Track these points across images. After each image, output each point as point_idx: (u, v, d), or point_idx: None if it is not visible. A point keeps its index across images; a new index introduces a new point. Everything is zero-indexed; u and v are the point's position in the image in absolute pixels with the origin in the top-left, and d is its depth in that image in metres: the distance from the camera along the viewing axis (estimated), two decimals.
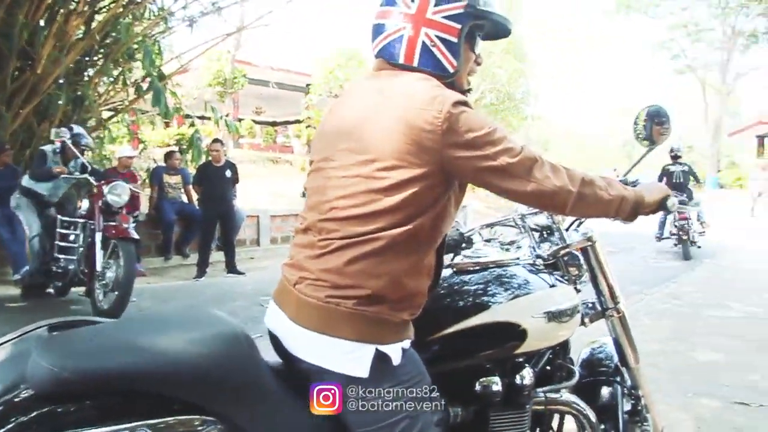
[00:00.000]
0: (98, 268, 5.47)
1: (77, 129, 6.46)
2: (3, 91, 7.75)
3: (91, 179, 5.94)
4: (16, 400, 1.21)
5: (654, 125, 1.79)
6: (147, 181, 9.19)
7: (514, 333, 1.66)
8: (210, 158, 8.59)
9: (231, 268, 8.35)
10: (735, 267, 9.54)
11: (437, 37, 1.46)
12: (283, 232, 11.17)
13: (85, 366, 1.19)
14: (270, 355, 1.48)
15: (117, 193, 5.73)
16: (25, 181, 6.35)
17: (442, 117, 1.33)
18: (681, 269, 9.10)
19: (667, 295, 7.14)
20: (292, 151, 20.98)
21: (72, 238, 5.89)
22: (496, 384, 1.64)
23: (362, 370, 1.34)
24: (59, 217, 6.03)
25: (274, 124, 22.30)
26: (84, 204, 5.87)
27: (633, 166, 2.04)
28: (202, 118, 13.01)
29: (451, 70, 1.49)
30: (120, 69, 9.42)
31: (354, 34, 31.93)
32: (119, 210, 5.80)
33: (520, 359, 1.71)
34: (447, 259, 1.75)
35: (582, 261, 1.93)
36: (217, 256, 8.65)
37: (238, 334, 1.33)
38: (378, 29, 1.52)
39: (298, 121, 21.59)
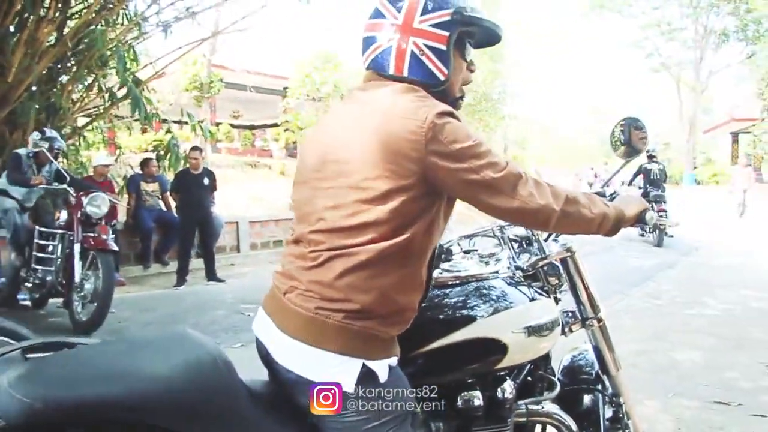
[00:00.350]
0: (77, 279, 5.41)
1: (50, 133, 6.37)
2: None
3: (70, 190, 5.85)
4: None
5: (633, 130, 1.81)
6: (124, 188, 9.09)
7: (495, 348, 1.66)
8: (188, 165, 8.51)
9: (211, 275, 8.28)
10: (710, 264, 9.68)
11: (426, 45, 1.46)
12: (263, 238, 11.11)
13: (59, 395, 1.16)
14: (251, 367, 1.47)
15: (96, 205, 5.67)
16: (1, 183, 6.25)
17: (426, 127, 1.33)
18: (660, 267, 9.20)
19: (647, 295, 7.22)
20: (271, 155, 20.88)
21: (50, 249, 5.77)
22: (478, 398, 1.64)
23: (348, 384, 1.34)
24: (37, 227, 5.93)
25: (252, 127, 22.21)
26: (63, 215, 5.75)
27: (612, 175, 2.11)
28: (179, 122, 12.88)
29: (442, 78, 1.49)
30: (94, 75, 9.31)
31: (330, 37, 31.86)
32: (98, 221, 5.75)
33: (501, 372, 1.71)
34: None
35: (561, 271, 1.93)
36: (196, 264, 8.57)
37: (215, 358, 1.32)
38: (367, 42, 1.52)
39: (275, 125, 21.49)
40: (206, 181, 8.32)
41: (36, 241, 5.84)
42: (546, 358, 1.89)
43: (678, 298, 6.97)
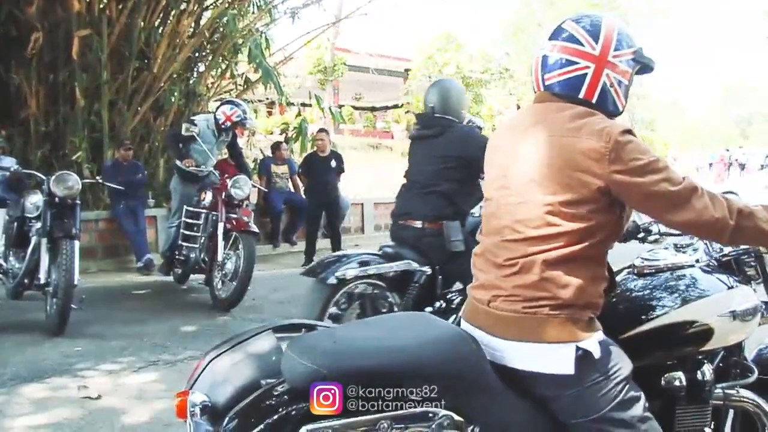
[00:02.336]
0: (219, 258, 5.67)
1: (243, 105, 6.50)
2: (124, 90, 8.25)
3: (215, 173, 6.16)
4: (274, 393, 1.42)
5: None
6: (255, 170, 9.50)
7: (701, 331, 1.78)
8: (315, 148, 8.73)
9: None
10: None
11: (615, 79, 1.61)
12: (387, 219, 11.18)
13: (341, 365, 1.36)
14: None
15: (239, 187, 5.89)
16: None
17: (610, 146, 1.48)
18: None
19: None
20: (392, 136, 21.08)
21: (195, 228, 6.09)
22: (680, 380, 1.76)
23: (568, 368, 1.48)
24: (185, 207, 6.22)
25: (373, 109, 22.50)
26: (208, 196, 6.02)
27: None
28: (303, 105, 13.30)
29: (621, 110, 1.65)
30: (227, 63, 9.79)
31: (452, 19, 31.59)
32: (240, 203, 5.97)
33: (700, 357, 1.83)
34: (624, 249, 1.94)
35: (756, 263, 2.01)
36: (323, 244, 8.81)
37: (464, 335, 1.54)
38: (557, 63, 1.63)
39: (397, 106, 21.66)
40: (333, 163, 8.48)
41: (183, 219, 6.17)
42: (739, 346, 1.97)
43: None
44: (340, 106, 19.79)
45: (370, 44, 21.57)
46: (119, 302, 5.97)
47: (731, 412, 1.98)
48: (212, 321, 5.25)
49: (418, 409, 1.39)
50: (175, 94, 8.48)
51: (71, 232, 4.76)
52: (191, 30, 8.98)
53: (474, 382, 1.46)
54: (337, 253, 4.21)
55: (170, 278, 6.71)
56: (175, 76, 8.74)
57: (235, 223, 5.72)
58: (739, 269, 1.99)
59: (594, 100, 1.60)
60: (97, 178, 7.05)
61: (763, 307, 1.98)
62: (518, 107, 27.02)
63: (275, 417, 1.36)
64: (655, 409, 1.66)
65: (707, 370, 1.80)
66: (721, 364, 1.92)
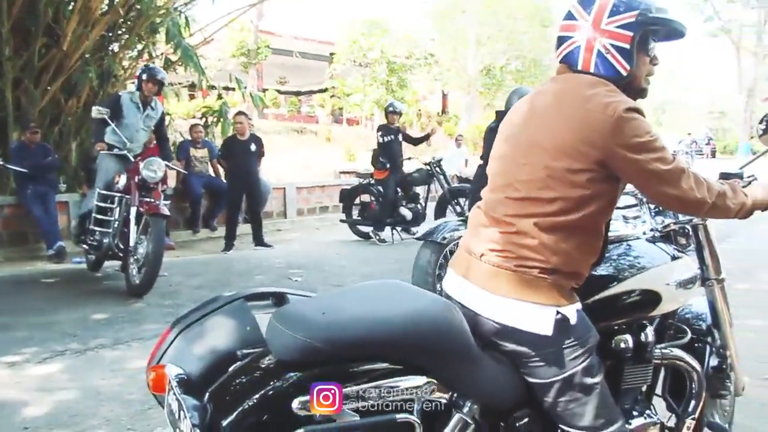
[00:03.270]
0: (131, 243, 5.52)
1: (151, 65, 6.37)
2: (30, 68, 7.84)
3: (129, 155, 5.94)
4: (261, 365, 1.40)
5: None
6: (175, 154, 9.25)
7: (651, 298, 1.95)
8: (235, 132, 8.61)
9: (258, 240, 8.41)
10: (765, 237, 9.38)
11: (611, 45, 1.65)
12: (310, 204, 11.23)
13: (332, 337, 1.36)
14: None
15: (153, 169, 5.72)
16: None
17: (613, 120, 1.54)
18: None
19: None
20: (317, 121, 20.95)
21: (108, 212, 5.85)
22: (627, 342, 1.89)
23: (547, 329, 1.58)
24: (98, 190, 5.96)
25: (298, 93, 22.25)
26: (122, 179, 5.81)
27: (754, 159, 2.35)
28: (226, 89, 13.02)
29: (625, 74, 1.67)
30: (144, 43, 9.46)
31: (377, 3, 31.50)
32: (154, 186, 5.81)
33: (644, 321, 1.98)
34: None
35: (691, 234, 2.21)
36: (244, 229, 8.73)
37: (448, 305, 1.58)
38: (561, 40, 1.74)
39: (322, 91, 21.50)
40: (253, 147, 8.38)
41: (96, 203, 5.91)
42: (675, 310, 2.15)
43: (732, 272, 6.78)
44: (264, 90, 19.49)
45: (294, 27, 21.32)
46: (27, 291, 5.74)
47: (662, 369, 2.15)
48: (125, 308, 5.11)
49: (403, 378, 1.42)
50: (90, 74, 8.10)
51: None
52: (105, 7, 8.61)
53: (456, 351, 1.50)
54: (440, 219, 5.38)
55: (83, 265, 6.52)
56: (87, 55, 8.36)
57: (146, 206, 5.58)
58: (675, 239, 2.20)
59: (592, 70, 1.67)
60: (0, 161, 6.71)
61: (699, 275, 2.19)
62: (443, 93, 27.36)
63: (265, 390, 1.33)
64: (606, 369, 1.80)
65: (650, 333, 1.95)
66: (658, 327, 2.09)
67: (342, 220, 9.39)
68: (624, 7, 1.65)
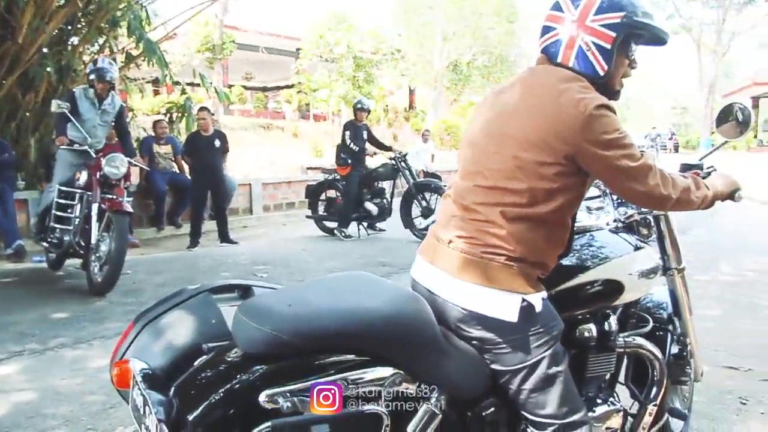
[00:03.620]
0: (93, 240, 5.40)
1: (101, 62, 6.14)
2: None
3: (91, 151, 5.79)
4: (226, 358, 1.39)
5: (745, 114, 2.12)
6: (138, 150, 9.09)
7: (614, 288, 1.97)
8: (198, 128, 8.49)
9: (224, 237, 8.33)
10: (725, 229, 9.59)
11: (593, 42, 1.66)
12: (276, 200, 11.14)
13: (299, 329, 1.36)
14: None
15: (115, 166, 5.58)
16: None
17: (584, 116, 1.56)
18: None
19: None
20: (284, 117, 20.80)
21: (69, 209, 5.70)
22: (591, 331, 1.93)
23: (512, 316, 1.59)
24: (58, 186, 5.79)
25: (264, 89, 22.10)
26: (83, 175, 5.67)
27: (713, 150, 2.41)
28: (191, 85, 12.84)
29: (602, 74, 1.68)
30: (105, 37, 9.25)
31: None
32: (117, 183, 5.68)
33: (607, 310, 2.01)
34: None
35: (653, 225, 2.23)
36: (209, 226, 8.63)
37: (414, 296, 1.60)
38: (545, 30, 1.74)
39: (288, 86, 21.37)
40: (217, 143, 8.29)
41: (56, 200, 5.75)
42: (638, 300, 2.21)
43: (693, 264, 6.92)
44: (230, 86, 19.29)
45: (260, 22, 21.11)
46: None
47: (625, 358, 2.19)
48: (86, 306, 4.99)
49: (370, 369, 1.41)
50: (48, 68, 7.89)
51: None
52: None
53: (423, 341, 1.51)
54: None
55: (44, 264, 6.36)
56: (45, 48, 8.14)
57: (108, 203, 5.45)
58: (637, 230, 2.23)
59: (570, 65, 1.68)
60: None
61: (661, 265, 2.23)
62: (410, 88, 27.41)
63: (231, 384, 1.31)
64: (570, 357, 1.82)
65: (613, 322, 1.99)
66: (621, 317, 2.13)
67: (308, 216, 9.33)
68: (610, 6, 1.65)
